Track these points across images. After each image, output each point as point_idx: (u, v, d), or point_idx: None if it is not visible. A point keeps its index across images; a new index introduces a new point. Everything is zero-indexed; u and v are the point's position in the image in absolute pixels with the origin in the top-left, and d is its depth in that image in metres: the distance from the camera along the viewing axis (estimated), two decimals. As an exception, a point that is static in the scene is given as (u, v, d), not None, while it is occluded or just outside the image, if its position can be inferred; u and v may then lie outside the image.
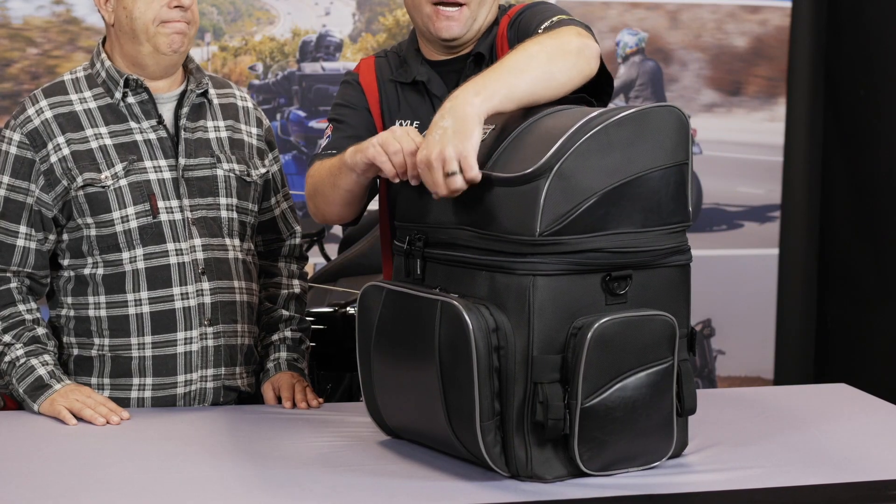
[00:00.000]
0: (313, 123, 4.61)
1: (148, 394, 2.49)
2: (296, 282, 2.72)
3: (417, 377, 2.05)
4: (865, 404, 2.52)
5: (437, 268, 2.09)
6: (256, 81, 4.54)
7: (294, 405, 2.50)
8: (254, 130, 2.64)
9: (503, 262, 1.96)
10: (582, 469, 1.97)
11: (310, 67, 4.60)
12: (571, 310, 1.95)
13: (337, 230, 4.41)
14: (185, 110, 2.52)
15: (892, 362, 4.38)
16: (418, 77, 2.41)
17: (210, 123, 2.57)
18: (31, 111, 2.49)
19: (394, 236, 2.24)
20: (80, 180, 2.45)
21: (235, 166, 2.56)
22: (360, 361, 2.17)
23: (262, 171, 2.63)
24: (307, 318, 2.73)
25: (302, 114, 4.60)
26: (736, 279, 4.87)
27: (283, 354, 2.63)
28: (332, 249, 4.08)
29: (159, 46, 2.46)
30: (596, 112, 1.99)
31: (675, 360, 2.02)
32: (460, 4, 2.33)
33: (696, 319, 4.72)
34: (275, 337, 2.65)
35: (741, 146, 4.89)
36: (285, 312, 2.68)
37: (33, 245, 2.48)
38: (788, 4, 4.82)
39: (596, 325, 1.93)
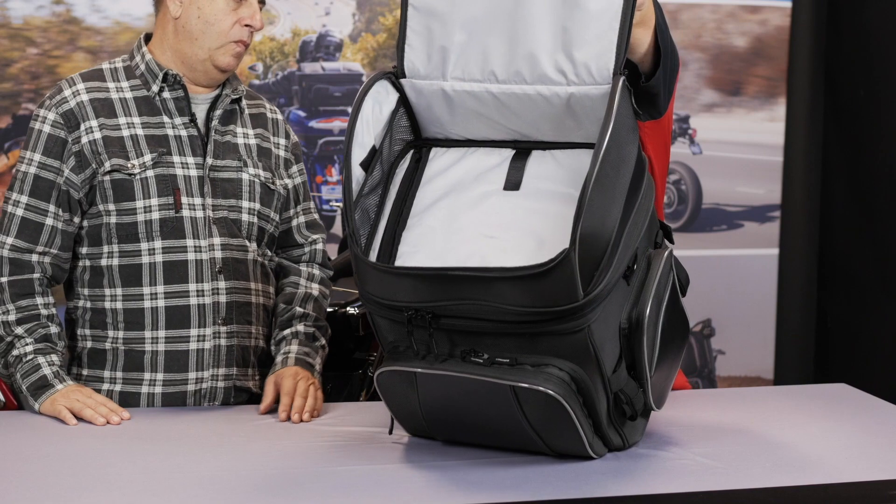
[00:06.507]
0: (313, 123, 4.61)
1: (158, 389, 2.49)
2: (315, 285, 2.67)
3: (498, 427, 2.06)
4: (865, 404, 2.52)
5: (445, 335, 2.00)
6: (256, 81, 4.54)
7: (288, 418, 2.37)
8: (282, 142, 2.65)
9: (549, 329, 1.92)
10: (653, 411, 2.12)
11: (310, 67, 4.60)
12: (617, 315, 1.99)
13: (337, 230, 4.41)
14: (217, 112, 2.55)
15: (892, 362, 4.37)
16: None
17: (240, 130, 2.58)
18: (67, 92, 2.50)
19: None
20: (107, 165, 2.46)
21: (261, 172, 2.57)
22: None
23: (287, 181, 2.64)
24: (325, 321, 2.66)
25: (302, 114, 4.60)
26: (736, 279, 4.86)
27: (294, 348, 2.56)
28: (332, 249, 4.07)
29: (218, 62, 2.49)
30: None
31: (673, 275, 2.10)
32: None
33: (696, 319, 4.72)
34: (286, 332, 2.60)
35: (741, 146, 4.88)
36: (300, 309, 2.62)
37: (60, 225, 2.48)
38: (788, 4, 4.82)
39: (646, 316, 1.99)
